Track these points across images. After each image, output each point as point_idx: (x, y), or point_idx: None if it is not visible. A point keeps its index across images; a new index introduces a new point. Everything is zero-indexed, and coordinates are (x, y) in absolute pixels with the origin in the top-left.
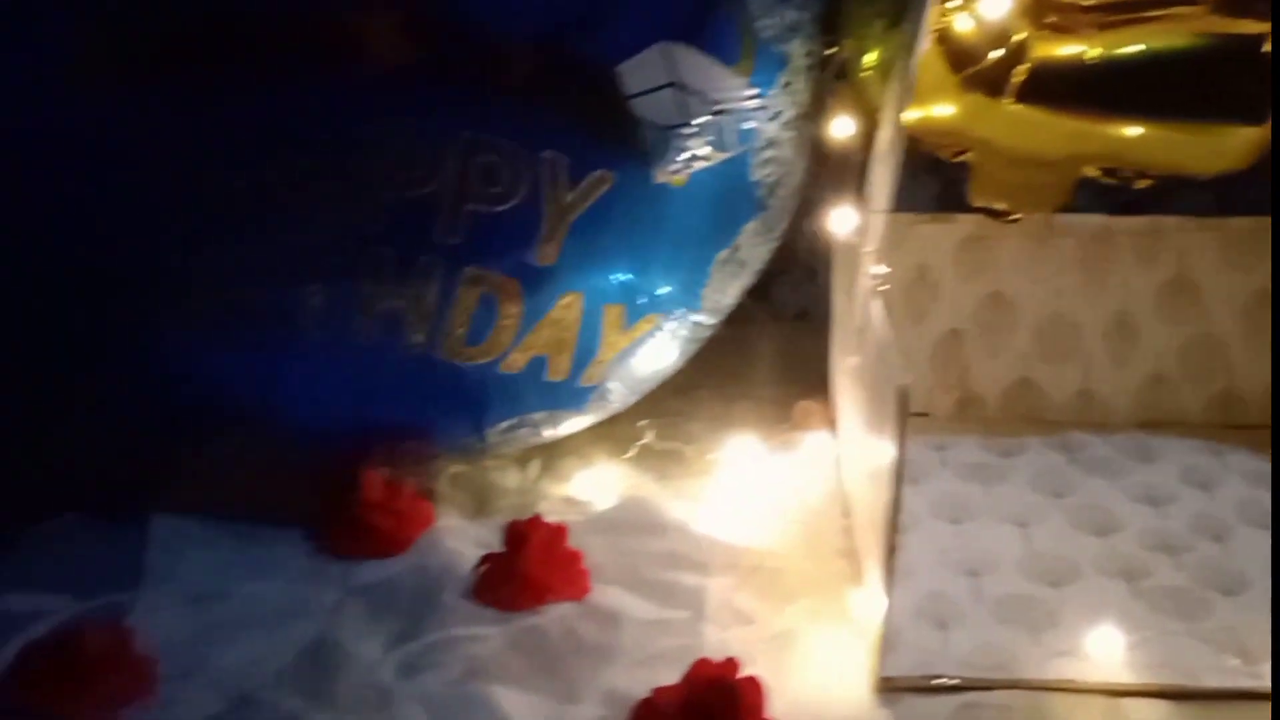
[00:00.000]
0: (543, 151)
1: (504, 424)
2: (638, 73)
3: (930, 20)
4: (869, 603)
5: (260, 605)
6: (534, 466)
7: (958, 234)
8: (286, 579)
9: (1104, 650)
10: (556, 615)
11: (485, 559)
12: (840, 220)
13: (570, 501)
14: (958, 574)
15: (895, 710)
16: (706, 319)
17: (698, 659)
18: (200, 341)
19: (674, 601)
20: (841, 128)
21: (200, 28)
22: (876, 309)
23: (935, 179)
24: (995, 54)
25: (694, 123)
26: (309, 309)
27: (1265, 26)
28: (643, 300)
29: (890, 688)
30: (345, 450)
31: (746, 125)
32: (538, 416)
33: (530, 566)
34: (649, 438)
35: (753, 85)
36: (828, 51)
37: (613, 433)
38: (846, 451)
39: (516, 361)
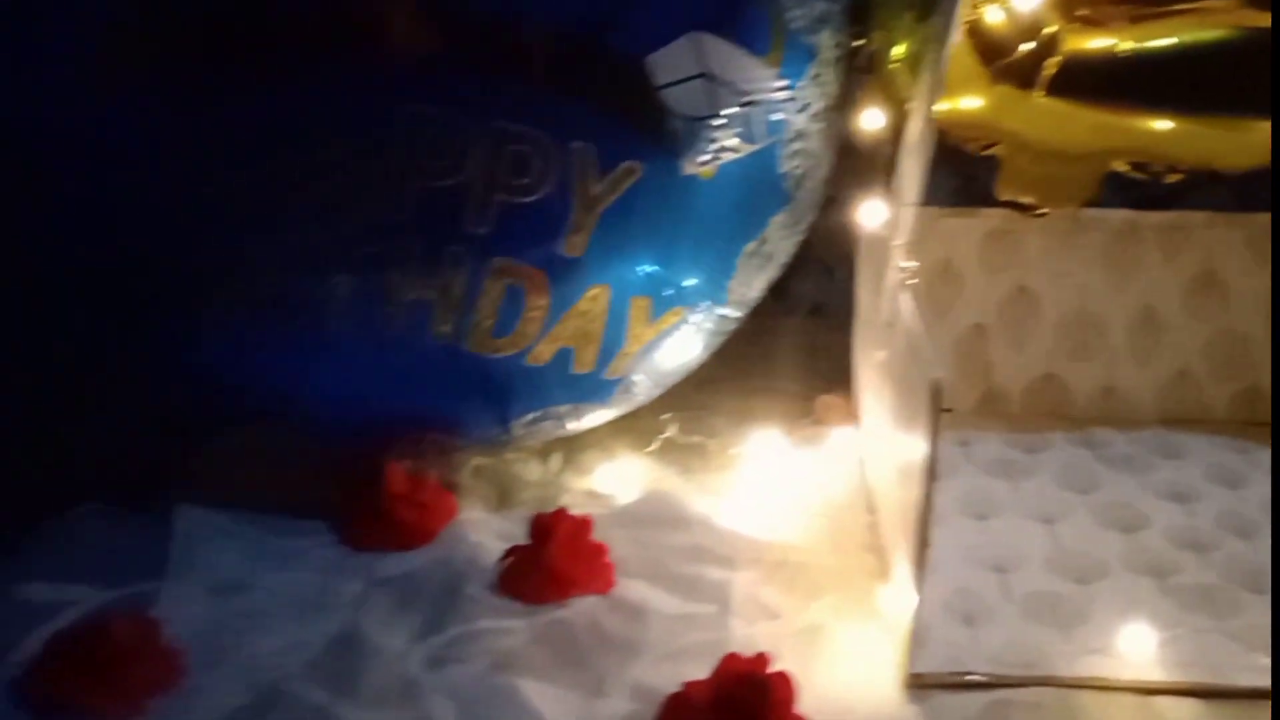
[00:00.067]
0: (572, 142)
1: (529, 416)
2: (668, 63)
3: (961, 13)
4: (896, 598)
5: (285, 597)
6: (555, 459)
7: (982, 228)
8: (311, 571)
9: (1134, 648)
10: (582, 609)
11: (510, 551)
12: (868, 213)
13: (593, 495)
14: (985, 570)
15: (925, 707)
16: (732, 312)
17: (727, 654)
18: (226, 332)
19: (699, 595)
20: (870, 120)
21: (227, 17)
22: (906, 302)
23: (954, 173)
24: (1026, 47)
25: (723, 114)
26: (336, 300)
27: None
28: (669, 292)
29: (920, 684)
30: (369, 442)
31: (775, 117)
32: (562, 409)
33: (556, 560)
34: (671, 431)
35: (782, 77)
36: (856, 43)
37: (634, 426)
38: (871, 446)
39: (543, 353)
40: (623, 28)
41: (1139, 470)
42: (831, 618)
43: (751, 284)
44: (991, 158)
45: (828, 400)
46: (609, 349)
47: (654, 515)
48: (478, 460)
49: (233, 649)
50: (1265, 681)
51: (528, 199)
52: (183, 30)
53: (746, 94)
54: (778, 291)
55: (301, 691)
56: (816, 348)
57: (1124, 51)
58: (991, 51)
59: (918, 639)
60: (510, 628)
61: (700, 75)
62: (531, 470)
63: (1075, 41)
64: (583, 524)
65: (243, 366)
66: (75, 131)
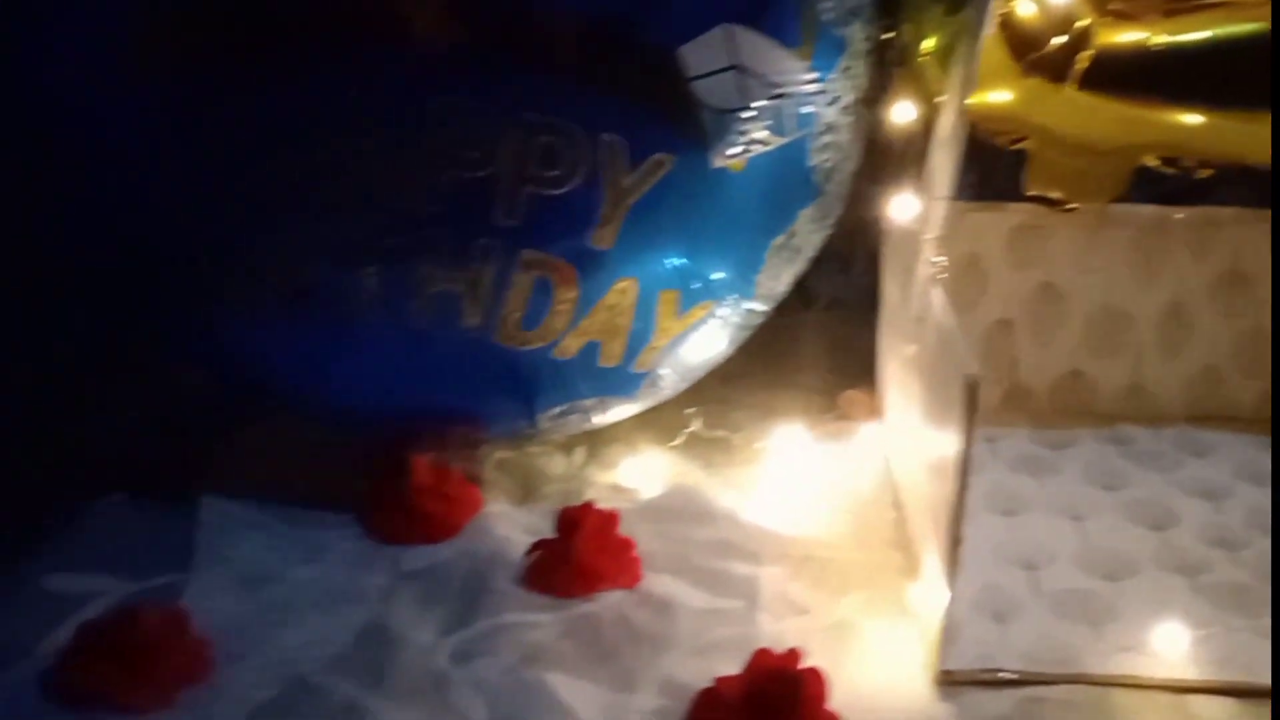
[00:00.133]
0: (602, 134)
1: (555, 410)
2: (699, 55)
3: (994, 6)
4: (926, 595)
5: (312, 589)
6: (579, 453)
7: (1009, 223)
8: (337, 563)
9: (1167, 646)
10: (609, 603)
11: (536, 545)
12: (897, 207)
13: (617, 489)
14: (1013, 567)
15: (956, 704)
16: (759, 306)
17: (758, 649)
18: (254, 322)
19: (727, 591)
20: (899, 113)
21: (257, 6)
22: (938, 297)
23: (973, 168)
24: (1058, 40)
25: (754, 107)
26: (364, 291)
27: None
28: (697, 286)
29: (950, 681)
30: (395, 434)
31: (805, 110)
32: (588, 403)
33: (583, 554)
34: (696, 425)
35: (813, 69)
36: (885, 36)
37: (656, 420)
38: (897, 442)
39: (570, 347)
40: (654, 19)
41: (1167, 467)
42: (860, 614)
43: (779, 278)
44: (1010, 151)
45: (851, 395)
46: (636, 343)
47: (679, 509)
48: (501, 453)
49: (260, 641)
50: None
51: (557, 191)
52: (213, 19)
53: (777, 86)
54: (795, 286)
55: (330, 684)
56: (836, 342)
57: (1157, 45)
58: (1023, 45)
59: (948, 636)
60: (538, 622)
61: (731, 68)
62: (555, 464)
63: (1107, 35)
64: (610, 518)
65: (270, 358)
66: (105, 121)
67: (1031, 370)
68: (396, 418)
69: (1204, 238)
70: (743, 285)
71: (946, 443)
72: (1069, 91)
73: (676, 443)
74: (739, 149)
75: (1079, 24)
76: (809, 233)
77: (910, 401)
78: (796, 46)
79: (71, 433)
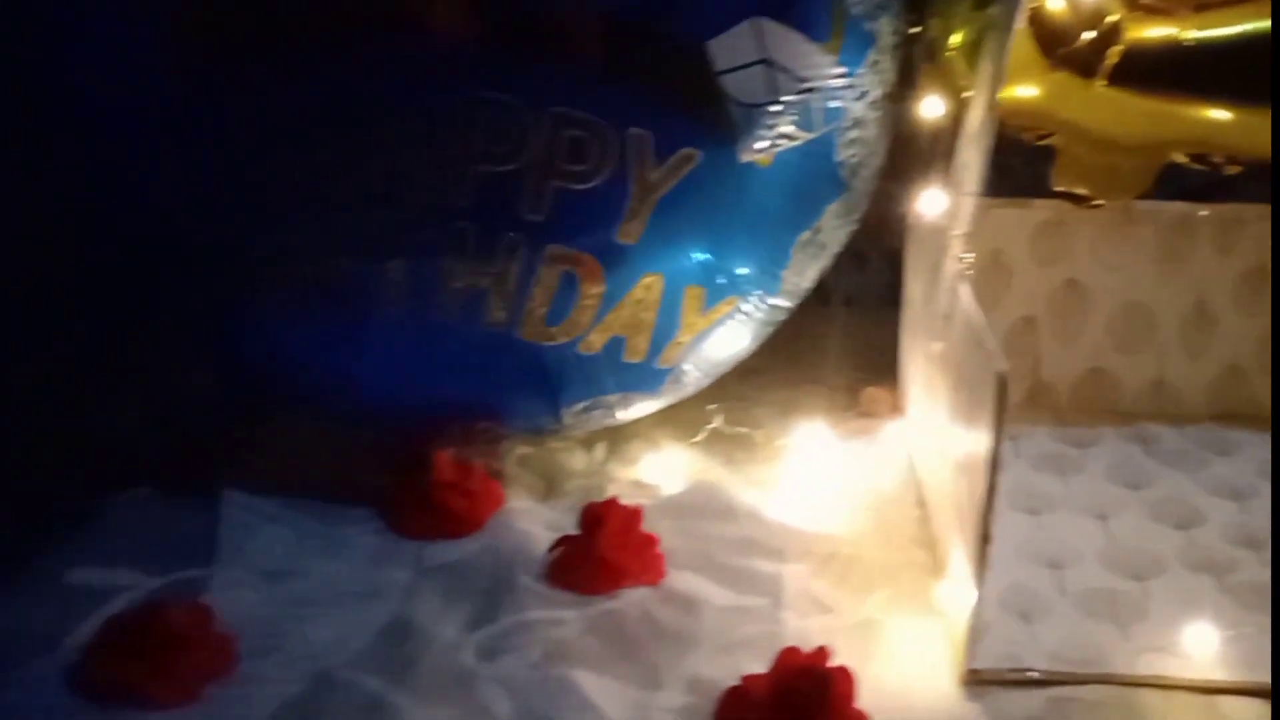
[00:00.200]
0: (630, 128)
1: (579, 405)
2: (728, 49)
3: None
4: (951, 593)
5: (335, 584)
6: (600, 449)
7: (1034, 219)
8: (359, 558)
9: (1196, 646)
10: (633, 600)
11: (560, 541)
12: (924, 203)
13: (639, 485)
14: (1039, 566)
15: (984, 703)
16: (784, 302)
17: (785, 647)
18: (279, 316)
19: (751, 588)
20: (927, 108)
21: (287, 2)
22: (966, 294)
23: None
24: (1088, 35)
25: (782, 101)
26: (390, 285)
27: None
28: (723, 281)
29: (977, 680)
30: (418, 429)
31: (833, 104)
32: (612, 398)
33: (607, 550)
34: (718, 422)
35: (841, 64)
36: (913, 30)
37: (677, 416)
38: (921, 439)
39: (595, 342)
40: (682, 13)
41: (1191, 466)
42: (885, 612)
43: (805, 274)
44: (1027, 146)
45: (873, 392)
46: (661, 338)
47: (701, 506)
48: (523, 449)
49: (284, 636)
50: None
51: (584, 185)
52: (238, 12)
53: (806, 81)
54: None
55: (356, 680)
56: (854, 339)
57: (1187, 40)
58: (1052, 40)
59: (975, 635)
60: (562, 618)
61: (760, 62)
62: (576, 460)
63: (1137, 30)
64: (634, 514)
65: (294, 351)
66: (129, 116)
67: (1054, 368)
68: (420, 413)
69: (1229, 235)
70: (768, 281)
71: (974, 440)
72: (1098, 87)
73: (698, 439)
74: (766, 144)
75: (1109, 19)
76: (835, 229)
77: (935, 398)
78: (825, 41)
79: (95, 428)
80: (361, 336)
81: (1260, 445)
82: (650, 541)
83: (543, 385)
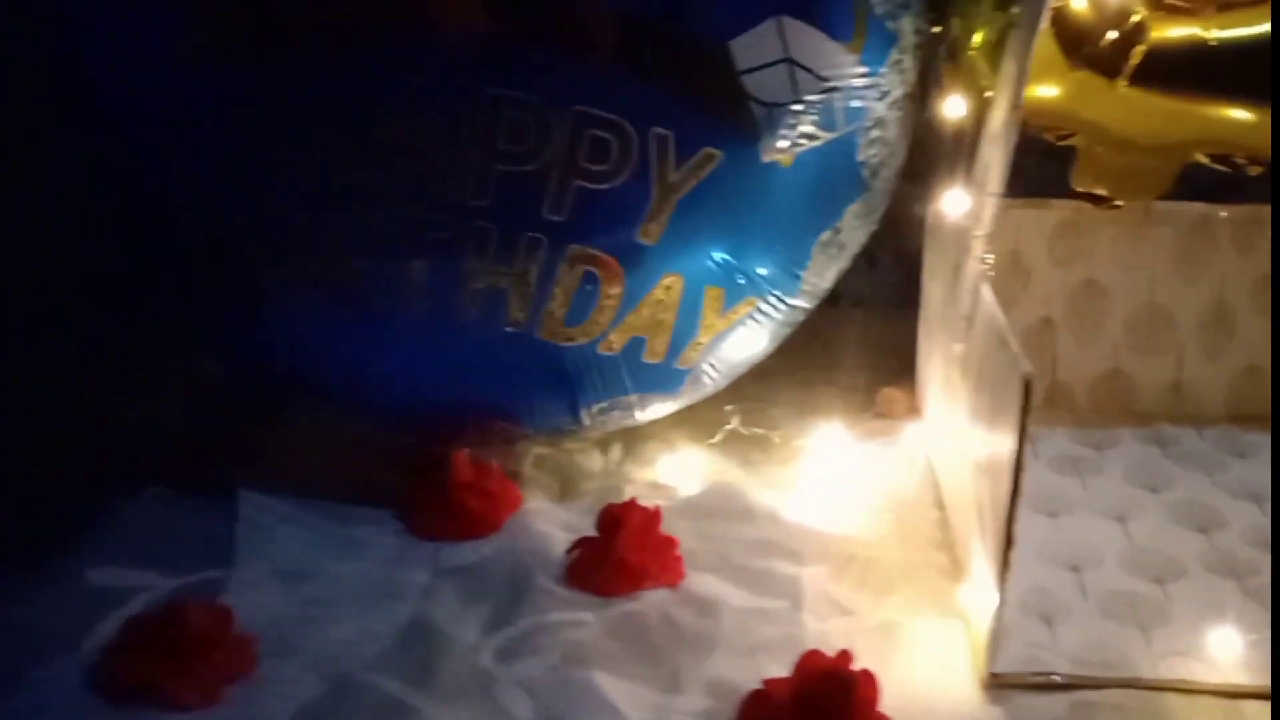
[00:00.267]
0: (652, 128)
1: (598, 406)
2: (751, 48)
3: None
4: (972, 596)
5: (353, 585)
6: (616, 450)
7: (1052, 220)
8: (377, 559)
9: (1219, 650)
10: (652, 602)
11: (578, 543)
12: (945, 203)
13: (655, 486)
14: (1059, 568)
15: (1006, 706)
16: (803, 302)
17: (807, 650)
18: (299, 315)
19: (770, 590)
20: (949, 108)
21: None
22: (988, 295)
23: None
24: (1112, 35)
25: (804, 100)
26: (410, 284)
27: None
28: (742, 282)
29: (999, 684)
30: (436, 429)
31: (855, 104)
32: (631, 399)
33: (626, 552)
34: (735, 423)
35: (863, 63)
36: (934, 30)
37: (692, 417)
38: (939, 440)
39: (615, 342)
40: (705, 12)
41: (1211, 468)
42: (905, 614)
43: (824, 274)
44: (1040, 148)
45: (890, 393)
46: (680, 339)
47: (719, 508)
48: (539, 449)
49: (303, 638)
50: None
51: (606, 185)
52: (263, 8)
53: (828, 80)
54: None
55: (376, 682)
56: (866, 339)
57: (1211, 40)
58: (1075, 39)
59: (997, 638)
60: (581, 620)
61: (783, 61)
62: (593, 461)
63: (1161, 29)
64: (653, 516)
65: (313, 350)
66: (151, 110)
67: (1071, 369)
68: (439, 413)
69: (1248, 236)
70: (788, 281)
71: (996, 442)
72: (1120, 87)
73: (715, 440)
74: (788, 143)
75: (1133, 19)
76: (855, 229)
77: (955, 400)
78: (848, 40)
79: (111, 427)
80: (381, 335)
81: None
82: (669, 543)
83: (562, 386)
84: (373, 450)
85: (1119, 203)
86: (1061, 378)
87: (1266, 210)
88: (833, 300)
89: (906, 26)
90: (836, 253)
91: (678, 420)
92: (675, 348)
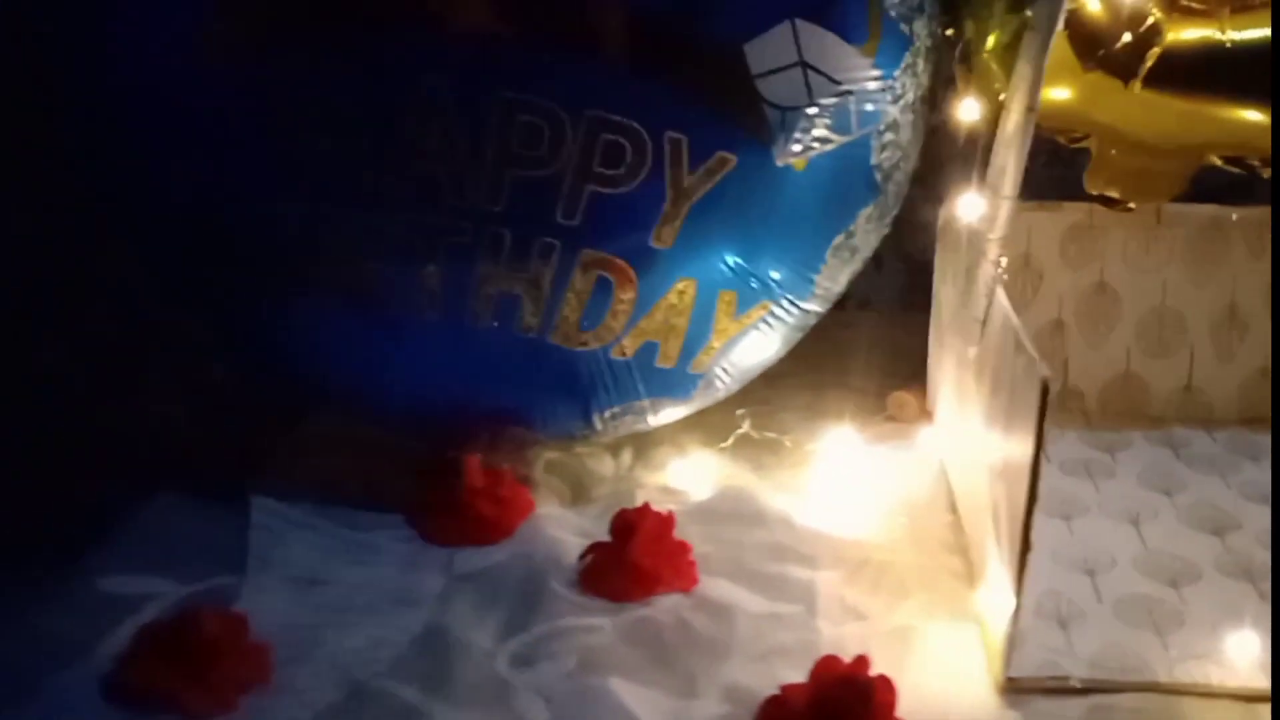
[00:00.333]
0: (667, 132)
1: (610, 411)
2: (765, 51)
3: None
4: (988, 600)
5: (367, 592)
6: (626, 454)
7: (1064, 222)
8: (389, 565)
9: (1237, 653)
10: (666, 607)
11: (591, 548)
12: (960, 207)
13: (667, 490)
14: (1074, 572)
15: (1024, 711)
16: (816, 306)
17: (823, 656)
18: (313, 319)
19: (784, 595)
20: (963, 111)
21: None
22: (1002, 299)
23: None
24: (1127, 37)
25: (818, 104)
26: (424, 289)
27: None
28: (756, 286)
29: (1016, 688)
30: (448, 435)
31: (869, 107)
32: (644, 404)
33: (640, 556)
34: (746, 426)
35: (877, 66)
36: (947, 32)
37: (703, 422)
38: (952, 444)
39: (628, 347)
40: (719, 16)
41: (1223, 471)
42: (920, 619)
43: (837, 278)
44: (1047, 151)
45: (900, 396)
46: (693, 343)
47: (731, 512)
48: (550, 454)
49: (318, 645)
50: None
51: (620, 190)
52: (279, 10)
53: (842, 84)
54: None
55: (392, 689)
56: (874, 342)
57: (1227, 42)
58: (1090, 42)
59: (1014, 642)
60: (596, 625)
61: (797, 64)
62: (604, 465)
63: (1177, 32)
64: (666, 521)
65: (327, 354)
66: (167, 112)
67: (1082, 372)
68: (452, 418)
69: (1260, 238)
70: (801, 285)
71: (1013, 446)
72: (1135, 89)
73: (726, 444)
74: (802, 147)
75: (1149, 21)
76: (868, 232)
77: (968, 403)
78: (862, 43)
79: (124, 433)
80: (395, 340)
81: None
82: (683, 548)
83: (575, 390)
84: (385, 455)
85: (1132, 205)
86: (1073, 380)
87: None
88: (839, 303)
89: (920, 29)
90: (849, 256)
91: (688, 424)
92: (688, 352)
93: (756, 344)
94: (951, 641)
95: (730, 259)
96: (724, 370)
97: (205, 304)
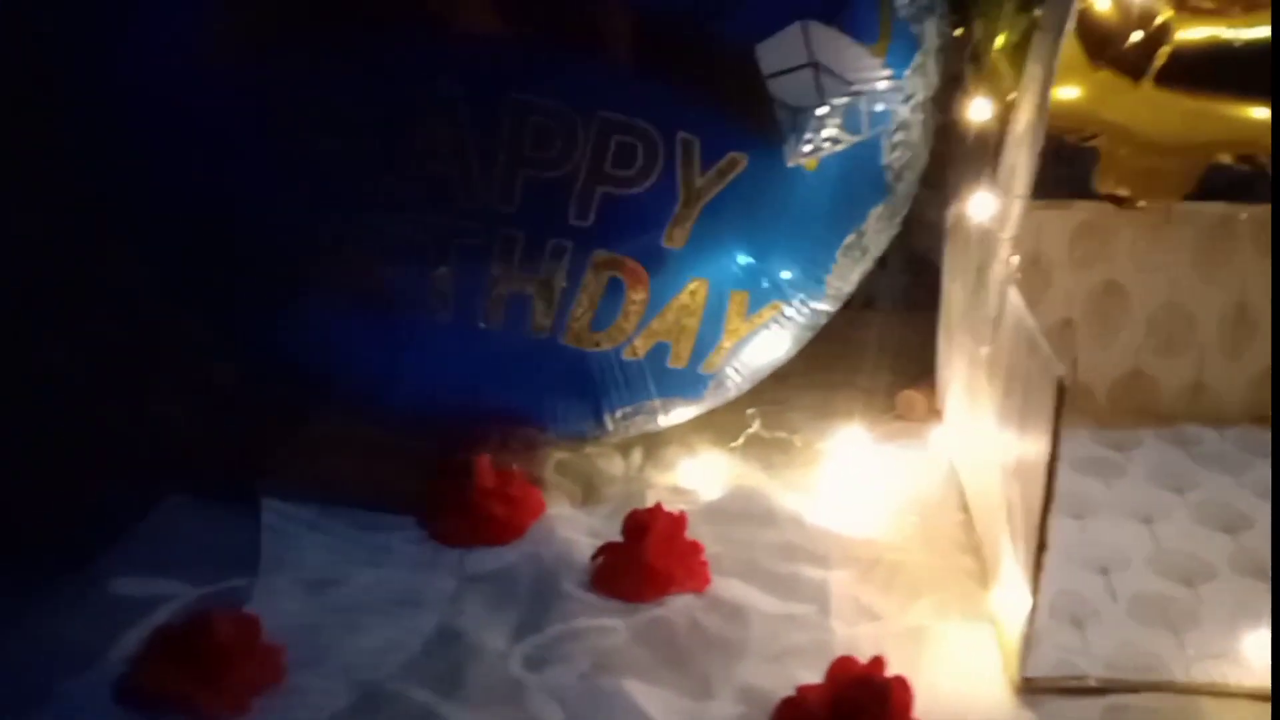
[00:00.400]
0: (679, 133)
1: (621, 412)
2: (776, 52)
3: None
4: (1002, 600)
5: (378, 593)
6: (636, 454)
7: (1073, 220)
8: (401, 566)
9: (1253, 653)
10: (679, 607)
11: (603, 549)
12: (970, 206)
13: (677, 490)
14: (1087, 571)
15: (1040, 712)
16: (827, 306)
17: (839, 657)
18: (324, 320)
19: (797, 595)
20: (974, 110)
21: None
22: (1015, 298)
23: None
24: (1137, 36)
25: (830, 104)
26: (435, 292)
27: None
28: (767, 286)
29: (1032, 689)
30: (459, 435)
31: (879, 107)
32: (654, 404)
33: (652, 557)
34: (756, 426)
35: (887, 66)
36: (956, 32)
37: (712, 421)
38: (962, 443)
39: (639, 348)
40: (730, 16)
41: (1234, 469)
42: (933, 619)
43: (847, 278)
44: (1050, 150)
45: (909, 395)
46: (705, 343)
47: (742, 512)
48: (559, 454)
49: (330, 647)
50: None
51: (631, 191)
52: (288, 10)
53: (853, 84)
54: None
55: (405, 691)
56: (880, 341)
57: (1237, 41)
58: (1100, 41)
59: (1030, 642)
60: (609, 626)
61: (808, 65)
62: (614, 465)
63: (1187, 30)
64: (678, 521)
65: (338, 355)
66: (176, 111)
67: (1091, 370)
68: (463, 419)
69: (1269, 236)
70: (812, 285)
71: (1027, 445)
72: (1145, 87)
73: (737, 444)
74: (813, 147)
75: (1159, 19)
76: (878, 232)
77: (979, 402)
78: (873, 43)
79: (133, 434)
80: (406, 342)
81: None
82: (695, 548)
83: (586, 391)
84: (395, 456)
85: (1141, 204)
86: (1082, 379)
87: None
88: (844, 302)
89: (930, 29)
90: (860, 256)
91: (697, 424)
92: (699, 352)
93: (767, 344)
94: (966, 641)
95: (742, 259)
96: (735, 370)
97: (217, 306)
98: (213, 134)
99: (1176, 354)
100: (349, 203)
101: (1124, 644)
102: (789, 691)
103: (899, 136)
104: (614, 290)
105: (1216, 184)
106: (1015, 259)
